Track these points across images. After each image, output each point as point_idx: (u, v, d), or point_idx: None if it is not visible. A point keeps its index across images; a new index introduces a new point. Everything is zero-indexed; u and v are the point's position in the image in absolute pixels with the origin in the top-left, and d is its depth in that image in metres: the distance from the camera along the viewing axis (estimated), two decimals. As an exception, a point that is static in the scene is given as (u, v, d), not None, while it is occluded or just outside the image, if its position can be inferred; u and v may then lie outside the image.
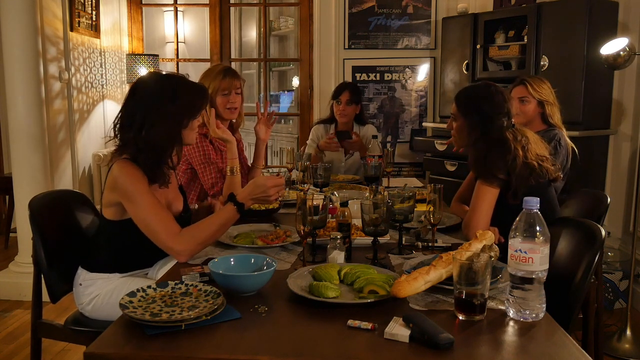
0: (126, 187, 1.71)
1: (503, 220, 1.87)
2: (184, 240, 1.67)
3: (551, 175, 1.96)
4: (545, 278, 1.26)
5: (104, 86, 4.65)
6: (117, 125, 1.82)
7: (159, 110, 1.75)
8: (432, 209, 1.79)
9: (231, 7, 4.98)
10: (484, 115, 1.99)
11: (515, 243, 1.26)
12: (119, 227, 1.81)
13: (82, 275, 1.87)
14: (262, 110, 2.72)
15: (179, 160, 1.98)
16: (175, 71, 5.07)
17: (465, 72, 4.16)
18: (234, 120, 2.74)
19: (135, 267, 1.90)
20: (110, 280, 1.85)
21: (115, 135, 1.82)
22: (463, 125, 2.08)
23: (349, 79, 4.59)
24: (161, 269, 1.90)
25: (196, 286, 1.38)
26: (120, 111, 1.83)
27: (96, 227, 2.12)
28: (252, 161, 2.81)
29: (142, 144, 1.75)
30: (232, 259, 1.53)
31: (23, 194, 3.31)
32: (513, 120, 2.01)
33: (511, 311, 1.28)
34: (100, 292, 1.84)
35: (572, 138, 3.34)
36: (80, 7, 4.18)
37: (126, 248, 1.85)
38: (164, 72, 1.89)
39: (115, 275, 1.86)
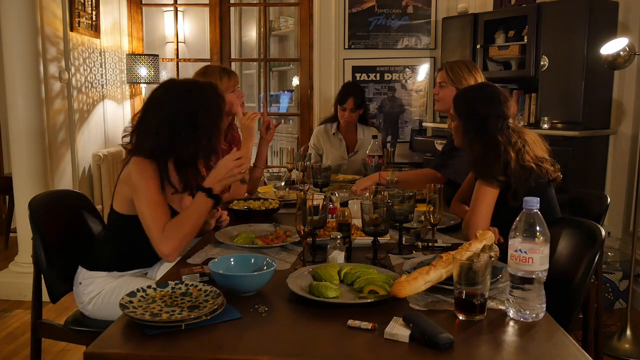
0: (136, 181, 1.73)
1: (503, 221, 1.87)
2: (168, 239, 1.67)
3: (551, 175, 1.96)
4: (545, 278, 1.26)
5: (104, 86, 4.65)
6: (137, 131, 1.82)
7: (199, 123, 1.77)
8: (432, 209, 1.79)
9: (231, 7, 4.98)
10: (477, 117, 1.98)
11: (515, 243, 1.26)
12: (126, 222, 1.81)
13: (81, 273, 1.88)
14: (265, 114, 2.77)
15: (207, 166, 1.98)
16: (175, 72, 5.08)
17: (465, 72, 4.15)
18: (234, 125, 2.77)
19: (135, 267, 1.90)
20: (110, 278, 1.85)
21: (130, 142, 1.82)
22: (459, 126, 2.08)
23: (349, 79, 4.59)
24: (160, 269, 1.91)
25: (196, 286, 1.38)
26: (145, 118, 1.82)
27: (98, 224, 2.12)
28: (253, 161, 2.81)
29: (187, 157, 1.78)
30: (232, 259, 1.53)
31: (23, 194, 3.31)
32: (510, 121, 1.99)
33: (511, 311, 1.28)
34: (101, 291, 1.84)
35: (572, 138, 3.36)
36: (80, 7, 4.18)
37: (130, 245, 1.85)
38: (179, 79, 1.91)
39: (114, 273, 1.86)
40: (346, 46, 4.61)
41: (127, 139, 1.84)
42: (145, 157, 1.76)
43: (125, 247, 1.86)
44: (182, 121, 1.76)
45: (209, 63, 4.87)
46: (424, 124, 4.65)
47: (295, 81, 5.65)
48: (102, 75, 4.60)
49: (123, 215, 1.82)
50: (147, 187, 1.72)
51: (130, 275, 1.89)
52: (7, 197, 4.44)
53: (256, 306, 1.33)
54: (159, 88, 1.86)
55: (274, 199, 2.40)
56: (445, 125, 2.69)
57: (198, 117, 1.78)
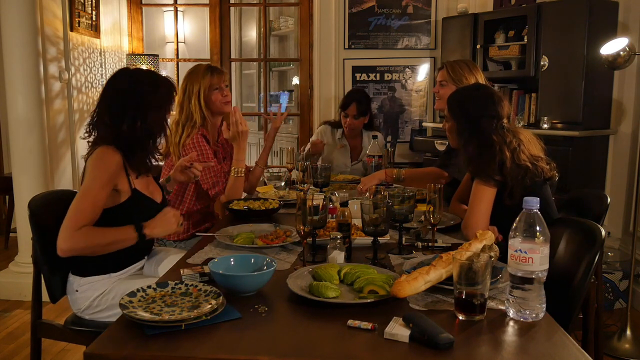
0: (89, 168, 1.78)
1: (500, 220, 1.87)
2: (76, 239, 1.68)
3: (546, 174, 1.96)
4: (545, 278, 1.26)
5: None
6: (94, 123, 1.87)
7: (146, 101, 1.83)
8: (432, 209, 1.79)
9: (231, 7, 4.97)
10: (470, 117, 1.99)
11: (515, 243, 1.26)
12: (104, 216, 1.79)
13: (75, 281, 1.86)
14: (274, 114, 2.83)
15: (168, 147, 2.01)
16: (175, 72, 5.07)
17: (465, 72, 4.15)
18: (223, 128, 2.75)
19: (127, 262, 1.90)
20: (107, 280, 1.85)
21: (91, 134, 1.87)
22: (454, 127, 2.09)
23: (349, 79, 4.60)
24: (159, 267, 1.91)
25: (196, 286, 1.38)
26: (99, 109, 1.87)
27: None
28: (254, 161, 2.82)
29: (138, 135, 1.82)
30: (232, 259, 1.53)
31: (23, 194, 3.32)
32: (505, 121, 2.00)
33: (511, 311, 1.28)
34: (102, 293, 1.83)
35: (572, 138, 3.36)
36: (80, 7, 4.18)
37: None
38: (132, 68, 1.99)
39: (109, 275, 1.86)
40: (346, 46, 4.60)
41: (87, 134, 1.88)
42: (107, 145, 1.79)
43: None
44: (130, 103, 1.82)
45: (208, 63, 4.87)
46: (424, 124, 4.65)
47: (295, 81, 5.64)
48: (102, 75, 4.60)
49: (105, 214, 1.82)
50: (92, 178, 1.75)
51: (127, 275, 1.89)
52: (7, 197, 4.44)
53: (256, 306, 1.33)
54: (110, 78, 1.92)
55: (274, 199, 2.40)
56: (445, 125, 2.69)
57: (145, 97, 1.83)
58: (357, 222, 1.89)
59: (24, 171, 3.38)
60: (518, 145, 1.91)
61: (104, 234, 1.73)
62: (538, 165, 1.93)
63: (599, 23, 3.36)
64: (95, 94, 4.51)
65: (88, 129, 1.88)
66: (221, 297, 1.31)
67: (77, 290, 1.86)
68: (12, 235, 4.16)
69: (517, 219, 1.28)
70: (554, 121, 3.49)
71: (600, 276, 2.01)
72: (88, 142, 1.88)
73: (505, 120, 1.99)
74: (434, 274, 1.34)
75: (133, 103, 1.82)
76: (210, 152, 2.54)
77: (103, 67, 4.61)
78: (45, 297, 1.92)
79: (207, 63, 2.71)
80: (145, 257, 1.99)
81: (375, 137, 3.11)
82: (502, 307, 1.31)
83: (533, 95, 3.74)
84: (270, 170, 3.53)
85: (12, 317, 3.19)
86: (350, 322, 1.22)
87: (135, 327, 1.20)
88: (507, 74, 4.05)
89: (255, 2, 6.09)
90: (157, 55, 4.74)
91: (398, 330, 1.16)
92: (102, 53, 4.60)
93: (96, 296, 1.84)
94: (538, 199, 1.27)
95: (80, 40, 4.24)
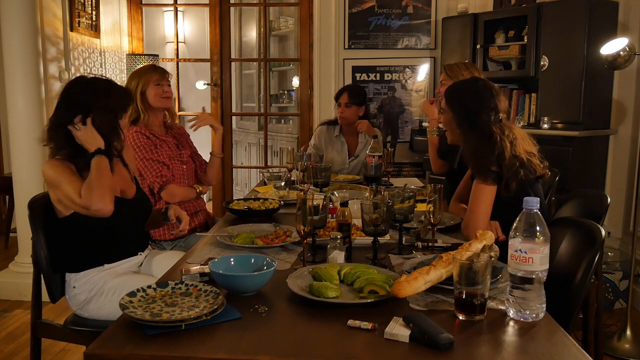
0: (51, 177, 1.80)
1: (499, 215, 1.88)
2: (89, 198, 1.74)
3: (539, 172, 1.98)
4: (545, 278, 1.26)
5: (104, 86, 4.64)
6: (49, 129, 1.88)
7: (98, 105, 1.86)
8: (432, 209, 1.79)
9: (231, 7, 4.97)
10: (469, 110, 2.02)
11: (515, 243, 1.26)
12: (75, 220, 1.82)
13: (72, 278, 1.88)
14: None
15: (122, 148, 2.03)
16: (175, 72, 5.07)
17: (465, 72, 4.15)
18: (168, 121, 2.75)
19: (121, 255, 1.92)
20: (102, 273, 1.86)
21: (50, 139, 1.88)
22: (451, 120, 2.11)
23: (349, 79, 4.60)
24: (158, 267, 1.92)
25: (196, 286, 1.38)
26: (54, 116, 1.89)
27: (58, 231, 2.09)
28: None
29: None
30: (232, 259, 1.53)
31: (23, 194, 3.31)
32: (501, 115, 2.02)
33: (511, 311, 1.28)
34: (101, 287, 1.85)
35: (572, 138, 3.36)
36: (80, 7, 4.18)
37: (93, 236, 1.86)
38: (89, 76, 2.01)
39: (105, 267, 1.88)
40: (346, 46, 4.60)
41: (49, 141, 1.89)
42: (58, 158, 1.83)
43: (92, 241, 1.87)
44: (82, 106, 1.86)
45: (208, 63, 4.88)
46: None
47: (295, 81, 5.64)
48: (102, 75, 4.58)
49: (68, 216, 1.84)
50: (61, 174, 1.79)
51: (123, 270, 1.90)
52: (7, 197, 4.44)
53: (256, 306, 1.33)
54: (66, 84, 1.96)
55: (274, 199, 2.40)
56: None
57: (95, 100, 1.87)
58: (357, 222, 1.89)
59: (24, 171, 3.38)
60: (514, 139, 1.94)
61: (92, 180, 1.77)
62: (532, 160, 1.95)
63: (599, 23, 3.36)
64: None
65: (47, 136, 1.88)
66: (221, 297, 1.31)
67: (74, 287, 1.87)
68: (12, 235, 4.16)
69: (517, 219, 1.28)
70: (554, 121, 3.49)
71: (600, 276, 2.01)
72: (50, 148, 1.89)
73: (502, 115, 2.02)
74: (434, 274, 1.34)
75: (84, 106, 1.85)
76: (150, 146, 2.55)
77: (103, 67, 4.61)
78: (45, 297, 1.93)
79: (152, 63, 2.76)
80: (140, 254, 2.00)
81: (375, 137, 3.11)
82: (502, 307, 1.31)
83: (533, 95, 3.75)
84: (270, 170, 3.53)
85: (12, 317, 3.19)
86: (350, 322, 1.22)
87: (135, 327, 1.20)
88: (507, 74, 4.05)
89: (255, 2, 6.09)
90: (157, 55, 4.74)
91: (398, 330, 1.16)
92: (102, 53, 4.60)
93: (93, 290, 1.85)
94: (538, 199, 1.27)
95: (80, 40, 4.24)
